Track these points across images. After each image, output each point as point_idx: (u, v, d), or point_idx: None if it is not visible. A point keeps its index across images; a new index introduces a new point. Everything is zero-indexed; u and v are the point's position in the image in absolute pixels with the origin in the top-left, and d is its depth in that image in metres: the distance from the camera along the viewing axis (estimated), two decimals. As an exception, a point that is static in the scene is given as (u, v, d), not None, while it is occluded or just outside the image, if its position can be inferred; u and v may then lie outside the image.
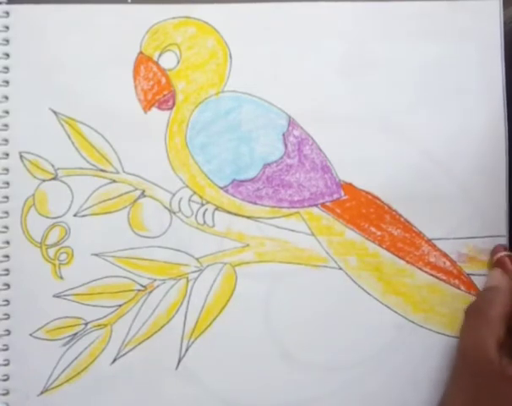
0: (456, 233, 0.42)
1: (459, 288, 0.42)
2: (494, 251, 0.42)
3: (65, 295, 0.41)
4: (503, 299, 0.39)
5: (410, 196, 0.42)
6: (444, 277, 0.42)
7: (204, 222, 0.41)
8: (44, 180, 0.41)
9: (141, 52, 0.42)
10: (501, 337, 0.37)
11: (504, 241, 0.42)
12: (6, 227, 0.41)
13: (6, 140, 0.41)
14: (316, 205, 0.42)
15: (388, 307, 0.42)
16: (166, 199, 0.41)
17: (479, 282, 0.42)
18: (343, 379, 0.42)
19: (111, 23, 0.42)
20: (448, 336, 0.42)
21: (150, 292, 0.41)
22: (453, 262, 0.42)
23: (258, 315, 0.41)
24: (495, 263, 0.41)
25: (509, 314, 0.38)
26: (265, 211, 0.42)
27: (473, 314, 0.39)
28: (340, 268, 0.41)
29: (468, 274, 0.42)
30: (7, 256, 0.40)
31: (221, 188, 0.42)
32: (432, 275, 0.42)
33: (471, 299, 0.42)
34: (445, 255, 0.42)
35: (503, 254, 0.41)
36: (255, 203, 0.42)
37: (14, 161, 0.41)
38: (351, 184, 0.42)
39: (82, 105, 0.41)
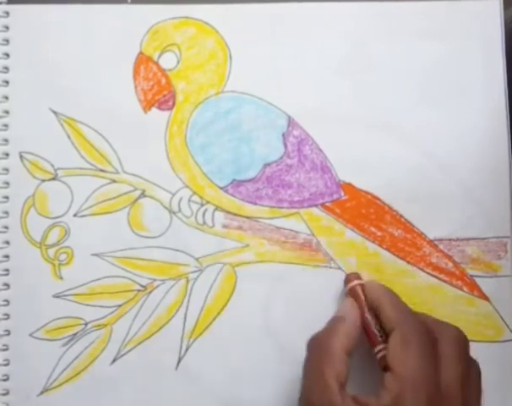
0: (459, 233, 0.42)
1: (461, 290, 0.42)
2: (347, 280, 0.40)
3: (65, 295, 0.41)
4: (348, 330, 0.35)
5: (411, 197, 0.42)
6: (447, 279, 0.42)
7: (204, 222, 0.41)
8: (44, 180, 0.41)
9: (141, 53, 0.42)
10: (343, 372, 0.34)
11: (509, 242, 0.42)
12: (6, 227, 0.41)
13: (6, 140, 0.41)
14: (316, 206, 0.42)
15: (388, 308, 0.41)
16: (166, 199, 0.41)
17: (483, 284, 0.42)
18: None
19: (111, 23, 0.42)
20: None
21: (150, 292, 0.41)
22: (456, 263, 0.42)
23: (258, 315, 0.41)
24: (348, 292, 0.39)
25: (354, 346, 0.35)
26: (265, 211, 0.41)
27: (315, 346, 0.36)
28: (340, 268, 0.41)
29: (472, 276, 0.42)
30: (7, 256, 0.41)
31: (221, 188, 0.41)
32: (434, 276, 0.42)
33: (475, 300, 0.41)
34: (448, 256, 0.42)
35: (355, 283, 0.39)
36: (255, 203, 0.41)
37: (14, 161, 0.41)
38: (350, 184, 0.42)
39: (82, 105, 0.41)
